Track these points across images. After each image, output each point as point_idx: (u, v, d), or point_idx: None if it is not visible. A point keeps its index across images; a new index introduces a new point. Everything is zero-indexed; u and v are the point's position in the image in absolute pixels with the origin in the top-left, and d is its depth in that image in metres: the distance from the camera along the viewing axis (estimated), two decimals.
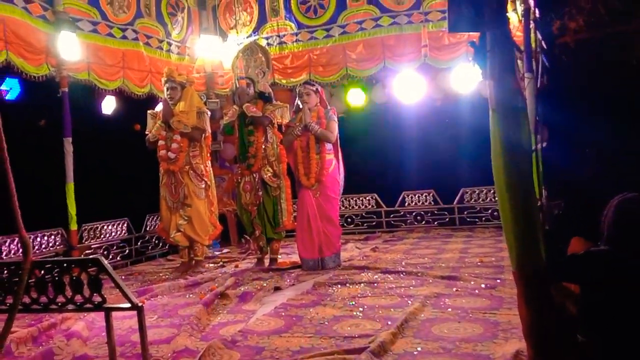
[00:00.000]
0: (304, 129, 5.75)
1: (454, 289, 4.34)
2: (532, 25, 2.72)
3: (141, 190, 7.26)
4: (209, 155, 6.41)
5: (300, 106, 5.85)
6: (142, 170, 6.95)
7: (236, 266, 6.27)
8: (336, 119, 5.92)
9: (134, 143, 6.83)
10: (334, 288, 4.72)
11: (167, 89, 6.01)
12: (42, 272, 2.31)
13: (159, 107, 6.39)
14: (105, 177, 6.99)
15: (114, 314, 2.32)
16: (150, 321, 3.94)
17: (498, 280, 4.47)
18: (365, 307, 4.01)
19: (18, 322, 3.83)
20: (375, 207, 8.67)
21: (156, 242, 7.61)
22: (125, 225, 7.21)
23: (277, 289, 4.89)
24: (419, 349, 3.05)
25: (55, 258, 4.51)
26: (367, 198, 8.72)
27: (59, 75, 5.95)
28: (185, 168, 5.99)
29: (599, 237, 2.17)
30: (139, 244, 7.35)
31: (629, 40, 2.43)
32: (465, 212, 8.25)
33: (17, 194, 1.60)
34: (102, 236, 6.81)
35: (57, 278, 2.29)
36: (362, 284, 4.77)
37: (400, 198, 8.54)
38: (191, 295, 4.80)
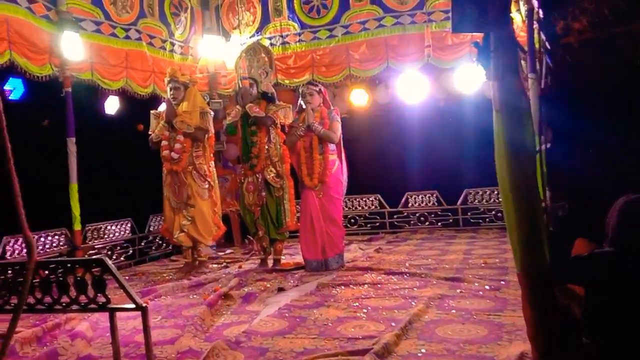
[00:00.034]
0: (307, 129, 5.74)
1: (458, 291, 4.33)
2: (535, 25, 2.71)
3: (144, 190, 7.26)
4: (212, 155, 6.40)
5: (303, 106, 5.84)
6: (145, 170, 6.95)
7: (240, 267, 6.27)
8: (339, 120, 5.90)
9: (137, 143, 6.84)
10: (338, 289, 4.72)
11: (170, 89, 6.01)
12: (47, 272, 2.31)
13: (162, 107, 6.39)
14: (108, 177, 6.99)
15: (118, 314, 2.31)
16: (154, 322, 3.95)
17: (502, 282, 4.45)
18: (369, 308, 4.00)
19: (22, 323, 3.83)
20: (378, 207, 8.67)
21: (159, 242, 7.62)
22: (128, 225, 7.22)
23: (280, 289, 4.89)
24: (423, 350, 3.04)
25: (60, 258, 4.51)
26: (371, 199, 8.71)
27: (62, 75, 5.96)
28: (189, 168, 5.99)
29: (603, 238, 2.16)
30: (142, 244, 7.37)
31: (633, 40, 2.42)
32: (469, 213, 8.23)
33: (21, 194, 1.60)
34: (105, 236, 6.83)
35: (61, 278, 2.29)
36: (365, 285, 4.77)
37: (403, 199, 8.53)
38: (195, 296, 4.81)
